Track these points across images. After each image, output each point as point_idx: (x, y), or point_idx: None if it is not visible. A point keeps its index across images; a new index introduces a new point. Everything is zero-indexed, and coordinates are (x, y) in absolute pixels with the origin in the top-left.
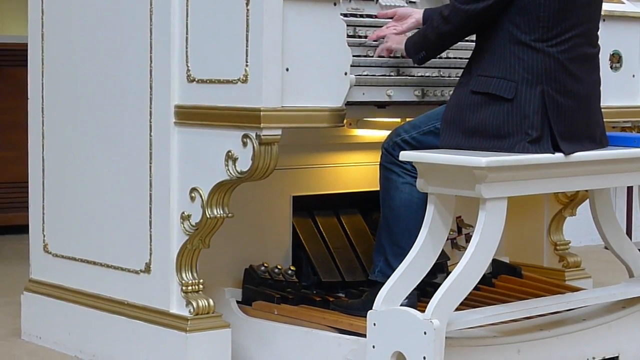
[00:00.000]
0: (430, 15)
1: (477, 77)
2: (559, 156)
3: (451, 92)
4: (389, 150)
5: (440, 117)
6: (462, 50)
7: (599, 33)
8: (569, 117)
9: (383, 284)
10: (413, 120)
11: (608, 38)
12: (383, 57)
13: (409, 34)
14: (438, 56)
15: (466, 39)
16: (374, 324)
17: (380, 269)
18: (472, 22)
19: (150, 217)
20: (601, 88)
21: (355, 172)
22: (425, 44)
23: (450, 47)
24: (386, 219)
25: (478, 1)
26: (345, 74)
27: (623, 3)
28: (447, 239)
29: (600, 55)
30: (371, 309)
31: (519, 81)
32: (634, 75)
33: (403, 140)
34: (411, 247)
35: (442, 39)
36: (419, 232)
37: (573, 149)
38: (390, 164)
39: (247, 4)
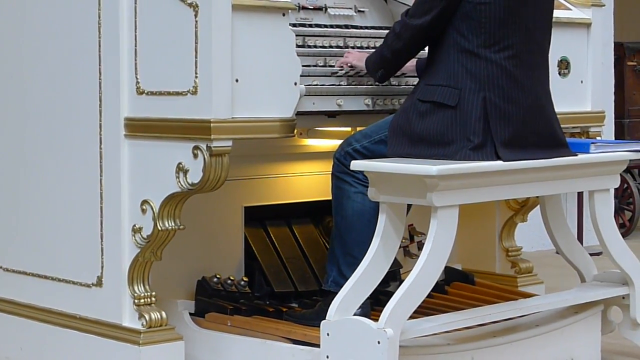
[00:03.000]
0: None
1: (424, 86)
2: (509, 164)
3: (402, 101)
4: (340, 160)
5: None
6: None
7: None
8: (513, 125)
9: (336, 293)
10: (364, 130)
11: (556, 44)
12: (342, 68)
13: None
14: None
15: None
16: (328, 334)
17: (333, 278)
18: (422, 36)
19: (102, 230)
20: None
21: (307, 181)
22: (383, 62)
23: None
24: (338, 229)
25: (425, 14)
26: (295, 84)
27: (570, 9)
28: (400, 247)
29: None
30: (324, 319)
31: (462, 88)
32: (582, 81)
33: (354, 150)
34: (364, 256)
35: (398, 56)
36: (371, 241)
37: (515, 157)
38: (342, 174)
39: (195, 15)
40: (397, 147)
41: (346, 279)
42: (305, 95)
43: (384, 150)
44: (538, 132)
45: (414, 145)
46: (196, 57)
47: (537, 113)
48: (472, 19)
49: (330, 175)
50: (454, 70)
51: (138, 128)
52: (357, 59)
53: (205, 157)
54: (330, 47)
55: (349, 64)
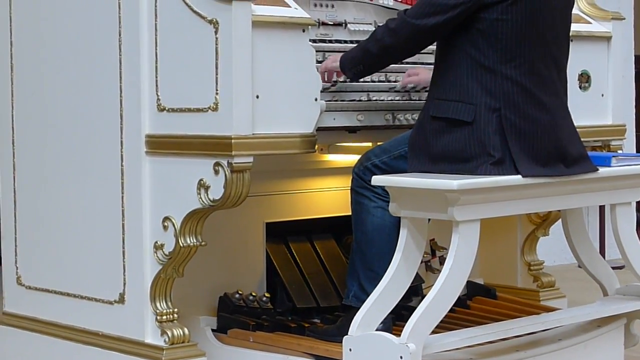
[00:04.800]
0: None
1: (436, 101)
2: (530, 177)
3: None
4: (359, 175)
5: None
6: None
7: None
8: (530, 141)
9: (358, 308)
10: (383, 145)
11: (576, 58)
12: (331, 81)
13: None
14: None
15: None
16: (350, 350)
17: (354, 293)
18: (419, 38)
19: (124, 247)
20: (569, 108)
21: (327, 197)
22: (365, 58)
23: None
24: (359, 244)
25: (429, 17)
26: (316, 99)
27: (590, 23)
28: (421, 261)
29: (567, 76)
30: (347, 334)
31: (477, 104)
32: (602, 95)
33: (374, 165)
34: (385, 271)
35: (385, 53)
36: (392, 255)
37: (535, 172)
38: (361, 189)
39: (215, 32)
40: (418, 166)
41: (367, 294)
42: (325, 110)
43: (403, 165)
44: (557, 147)
45: (435, 163)
46: (217, 74)
47: (555, 128)
48: (489, 35)
49: (349, 191)
50: (468, 86)
51: (159, 145)
52: (333, 59)
53: (227, 173)
54: None
55: (325, 69)
